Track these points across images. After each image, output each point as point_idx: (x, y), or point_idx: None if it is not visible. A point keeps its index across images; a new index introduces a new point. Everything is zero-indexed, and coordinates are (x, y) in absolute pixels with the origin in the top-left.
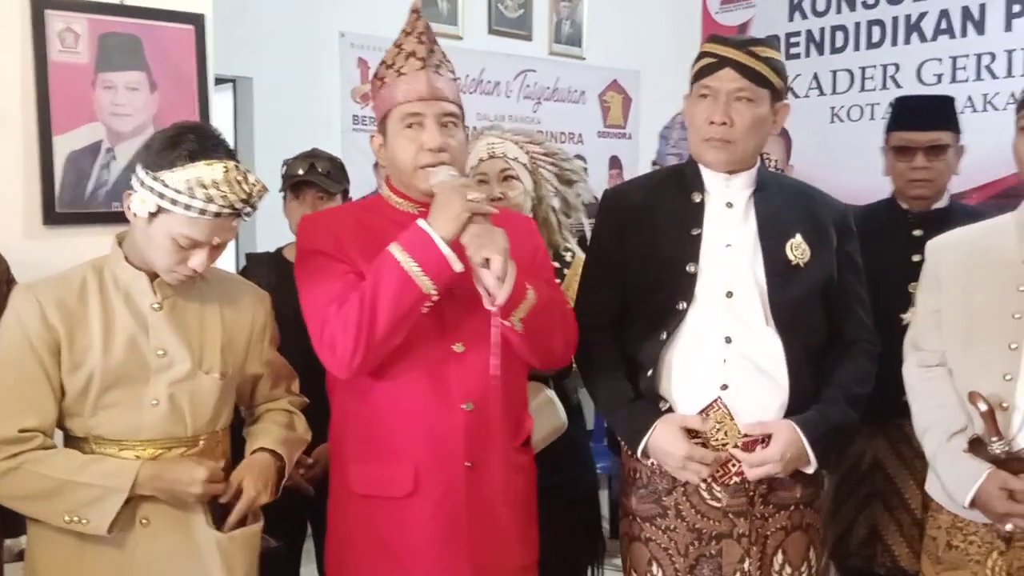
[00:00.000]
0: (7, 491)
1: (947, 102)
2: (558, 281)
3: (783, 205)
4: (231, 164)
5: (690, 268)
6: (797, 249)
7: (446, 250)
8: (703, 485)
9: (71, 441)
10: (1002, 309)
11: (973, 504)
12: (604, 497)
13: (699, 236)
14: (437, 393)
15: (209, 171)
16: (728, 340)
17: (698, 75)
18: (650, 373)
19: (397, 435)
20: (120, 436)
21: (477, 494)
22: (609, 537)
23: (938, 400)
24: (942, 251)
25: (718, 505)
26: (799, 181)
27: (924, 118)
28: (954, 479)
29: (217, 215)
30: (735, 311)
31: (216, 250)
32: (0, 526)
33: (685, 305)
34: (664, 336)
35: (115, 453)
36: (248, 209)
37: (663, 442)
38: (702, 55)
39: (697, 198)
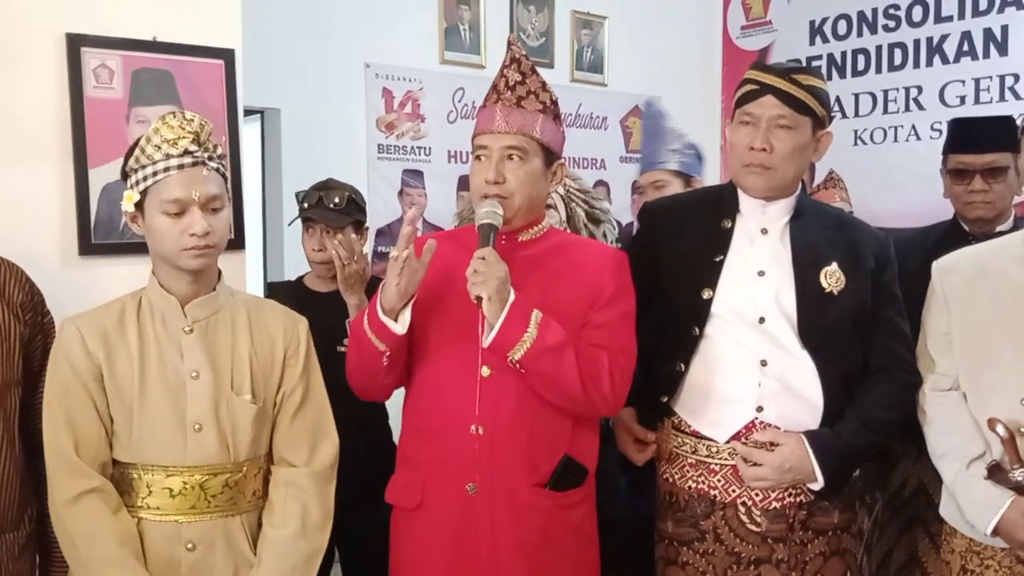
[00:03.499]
0: (66, 532)
1: (1005, 122)
2: None
3: (820, 233)
4: (169, 115)
5: (705, 294)
6: (831, 277)
7: (382, 315)
8: (742, 509)
9: (119, 467)
10: (1014, 331)
11: (995, 532)
12: None
13: (721, 263)
14: (452, 412)
15: (151, 132)
16: (764, 363)
17: (740, 101)
18: (665, 400)
19: (414, 448)
20: (166, 462)
21: (479, 523)
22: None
23: (953, 425)
24: (950, 272)
25: (757, 530)
26: (839, 210)
27: (980, 140)
28: (975, 506)
29: (180, 166)
30: (770, 336)
31: (210, 213)
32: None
33: (698, 331)
34: (681, 367)
35: (162, 480)
36: (207, 152)
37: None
38: (745, 82)
39: (727, 224)
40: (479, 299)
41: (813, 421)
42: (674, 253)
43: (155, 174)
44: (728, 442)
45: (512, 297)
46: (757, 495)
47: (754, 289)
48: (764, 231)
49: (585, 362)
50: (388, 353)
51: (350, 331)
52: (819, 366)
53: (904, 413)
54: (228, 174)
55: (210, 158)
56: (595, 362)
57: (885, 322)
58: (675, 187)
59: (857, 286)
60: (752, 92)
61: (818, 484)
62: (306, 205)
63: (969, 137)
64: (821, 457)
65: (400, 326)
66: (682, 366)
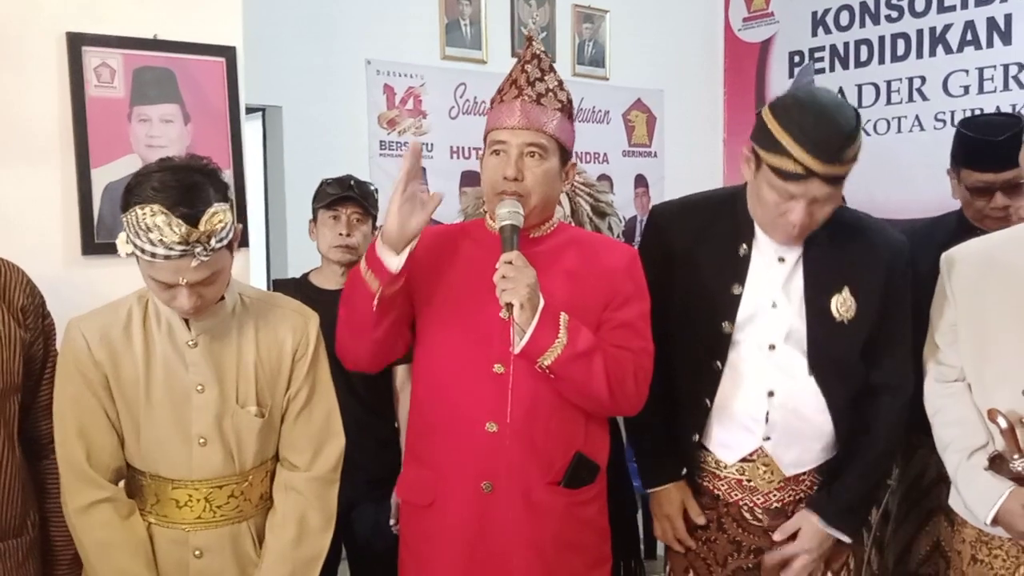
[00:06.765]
0: (79, 541)
1: (1020, 137)
2: None
3: (833, 255)
4: (157, 208)
5: (725, 328)
6: (843, 305)
7: (379, 247)
8: (745, 508)
9: (131, 471)
10: (1018, 323)
11: (995, 521)
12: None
13: (739, 296)
14: (465, 409)
15: (143, 215)
16: (771, 393)
17: (779, 173)
18: (696, 438)
19: (427, 445)
20: (172, 475)
21: (491, 521)
22: (644, 557)
23: (957, 416)
24: (957, 263)
25: (759, 524)
26: (855, 217)
27: (999, 158)
28: (975, 496)
29: (167, 257)
30: (778, 364)
31: (204, 287)
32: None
33: (720, 365)
34: (708, 403)
35: (169, 491)
36: (198, 249)
37: (663, 498)
38: (784, 152)
39: (744, 250)
40: (509, 306)
41: (822, 445)
42: (689, 280)
43: (142, 251)
44: (736, 462)
45: (542, 302)
46: (759, 499)
47: (768, 317)
48: (781, 259)
49: (611, 364)
50: (379, 294)
51: (347, 280)
52: (826, 392)
53: (900, 435)
54: (233, 239)
55: (205, 247)
56: (620, 364)
57: (890, 337)
58: None
59: (867, 311)
60: (796, 174)
61: (847, 539)
62: (341, 190)
63: (988, 156)
64: (832, 522)
65: (396, 261)
66: (708, 402)
